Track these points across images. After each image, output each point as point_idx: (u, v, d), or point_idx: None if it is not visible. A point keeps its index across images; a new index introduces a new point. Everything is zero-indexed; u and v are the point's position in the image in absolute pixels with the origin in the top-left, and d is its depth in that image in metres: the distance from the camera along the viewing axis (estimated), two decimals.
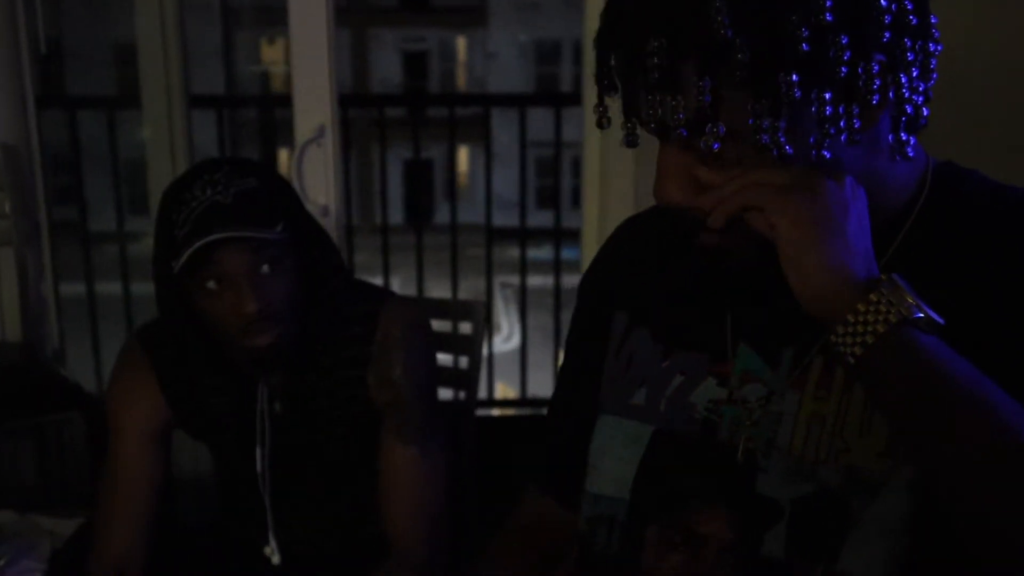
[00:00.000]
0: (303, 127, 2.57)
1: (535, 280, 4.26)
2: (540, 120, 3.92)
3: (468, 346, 2.07)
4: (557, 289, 4.00)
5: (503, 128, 4.50)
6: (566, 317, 3.95)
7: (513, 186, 3.96)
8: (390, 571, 1.57)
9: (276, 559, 1.70)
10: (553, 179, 4.35)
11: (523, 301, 3.86)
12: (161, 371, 1.62)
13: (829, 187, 0.84)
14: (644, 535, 0.99)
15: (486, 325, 2.19)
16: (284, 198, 1.51)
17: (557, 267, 3.99)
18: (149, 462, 1.62)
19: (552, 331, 3.74)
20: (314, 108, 2.56)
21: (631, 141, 0.89)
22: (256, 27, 18.21)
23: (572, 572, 1.07)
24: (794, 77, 0.80)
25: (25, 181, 2.58)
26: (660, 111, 0.84)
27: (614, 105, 0.92)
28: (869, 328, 0.80)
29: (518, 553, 1.16)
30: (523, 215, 3.96)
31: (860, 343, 0.81)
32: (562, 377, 1.18)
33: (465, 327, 2.08)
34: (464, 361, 2.07)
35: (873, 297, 0.81)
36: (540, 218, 6.61)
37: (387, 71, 20.10)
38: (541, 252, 5.81)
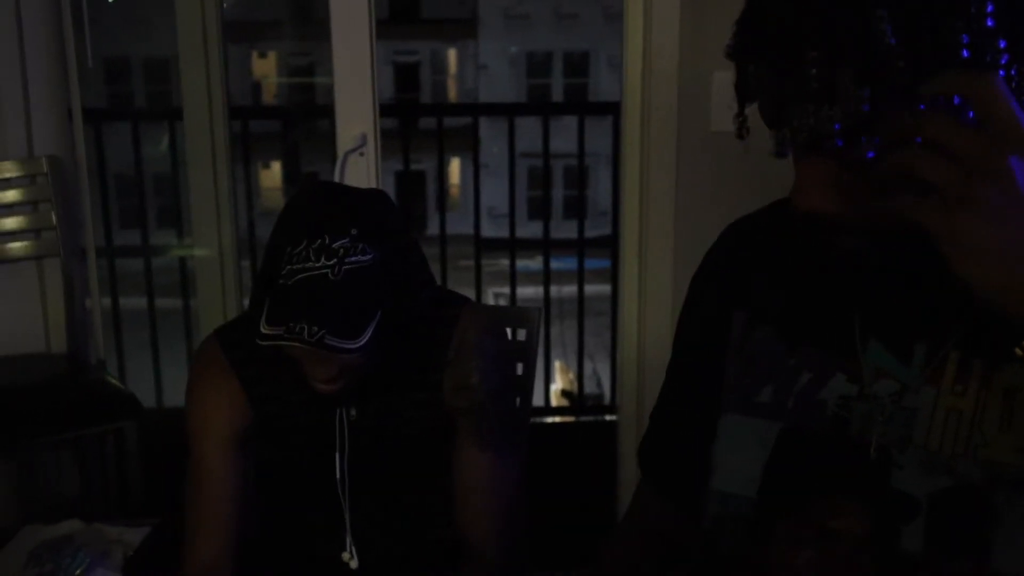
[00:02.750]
0: (345, 136, 2.59)
1: (526, 291, 4.28)
2: (530, 131, 3.95)
3: (523, 352, 2.09)
4: (580, 299, 4.02)
5: (493, 140, 4.51)
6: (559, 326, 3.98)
7: (506, 197, 3.97)
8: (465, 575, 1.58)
9: (354, 564, 1.70)
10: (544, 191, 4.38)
11: (547, 312, 3.86)
12: (241, 371, 1.62)
13: (1016, 170, 0.76)
14: (773, 532, 1.01)
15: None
16: (392, 277, 1.48)
17: (580, 277, 4.02)
18: (234, 466, 1.61)
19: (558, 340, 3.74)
20: (356, 116, 2.58)
21: (782, 151, 0.89)
22: (247, 41, 18.24)
23: (697, 571, 1.08)
24: None
25: (71, 193, 2.60)
26: (814, 120, 0.85)
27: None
28: None
29: (636, 553, 1.17)
30: (546, 225, 3.99)
31: None
32: (674, 378, 1.20)
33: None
34: (519, 367, 2.09)
35: None
36: (532, 229, 6.65)
37: (378, 83, 20.09)
38: (533, 263, 5.78)
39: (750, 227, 1.16)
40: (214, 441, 1.61)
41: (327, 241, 1.41)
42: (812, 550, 0.99)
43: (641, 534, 1.19)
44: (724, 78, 2.60)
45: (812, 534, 0.99)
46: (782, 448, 1.02)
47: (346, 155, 2.58)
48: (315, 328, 1.37)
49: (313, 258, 1.40)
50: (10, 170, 2.55)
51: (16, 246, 2.59)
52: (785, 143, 0.89)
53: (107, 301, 3.65)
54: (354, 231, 1.42)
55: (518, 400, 2.02)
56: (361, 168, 2.58)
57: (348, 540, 1.69)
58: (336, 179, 2.55)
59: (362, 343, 1.41)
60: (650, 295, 2.69)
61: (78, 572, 1.71)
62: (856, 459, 0.98)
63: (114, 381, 2.50)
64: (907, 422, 0.96)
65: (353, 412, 1.62)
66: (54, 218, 2.55)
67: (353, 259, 1.41)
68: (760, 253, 1.12)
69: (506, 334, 1.70)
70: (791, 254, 1.08)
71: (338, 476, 1.64)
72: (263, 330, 1.42)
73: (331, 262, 1.40)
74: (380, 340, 1.46)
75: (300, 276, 1.40)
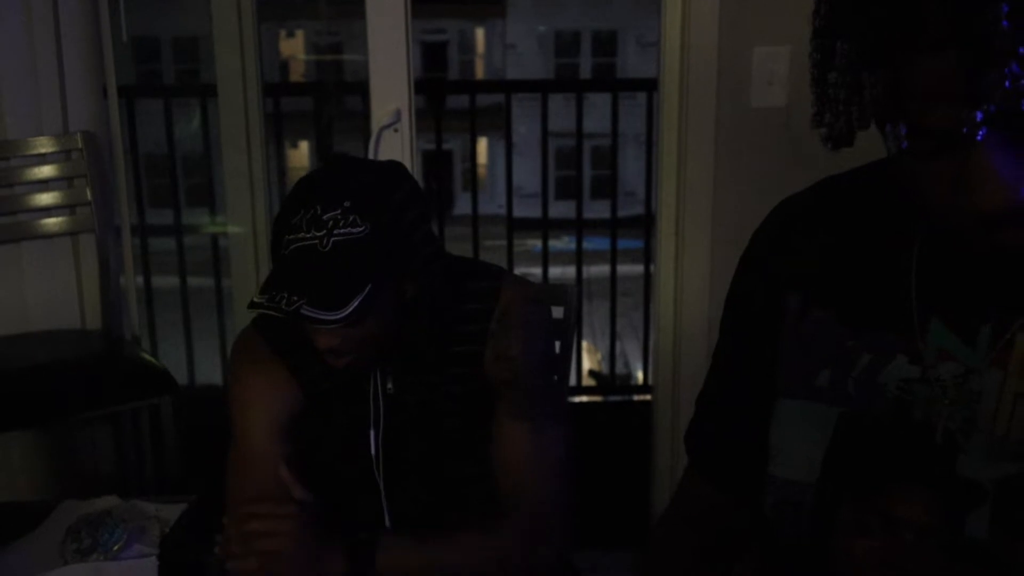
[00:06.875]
0: (379, 112, 2.57)
1: (553, 271, 4.26)
2: (557, 111, 3.91)
3: (561, 330, 2.06)
4: (613, 279, 4.00)
5: (521, 120, 4.47)
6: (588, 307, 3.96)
7: (533, 177, 3.93)
8: (506, 544, 1.55)
9: None
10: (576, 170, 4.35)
11: (579, 292, 3.84)
12: (288, 359, 1.61)
13: None
14: (834, 519, 0.99)
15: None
16: (388, 250, 1.46)
17: (613, 257, 3.99)
18: (281, 454, 1.58)
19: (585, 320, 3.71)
20: (391, 92, 2.56)
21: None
22: (274, 20, 18.25)
23: (757, 558, 1.06)
24: None
25: (106, 169, 2.59)
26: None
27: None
28: None
29: (686, 541, 1.15)
30: (579, 205, 3.96)
31: None
32: (721, 361, 1.16)
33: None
34: (557, 345, 2.06)
35: None
36: (559, 209, 6.65)
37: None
38: (559, 243, 5.73)
39: (799, 206, 1.12)
40: (264, 430, 1.59)
41: (319, 212, 1.42)
42: (876, 538, 0.96)
43: (688, 521, 1.17)
44: (764, 53, 2.55)
45: (876, 521, 0.96)
46: (842, 433, 1.00)
47: (380, 131, 2.56)
48: (295, 298, 1.38)
49: (305, 229, 1.42)
50: (45, 146, 2.54)
51: (51, 222, 2.59)
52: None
53: (139, 279, 3.66)
54: (347, 203, 1.43)
55: (555, 377, 2.00)
56: (395, 144, 2.56)
57: (386, 517, 1.68)
58: (371, 155, 2.53)
59: (344, 315, 1.40)
60: (687, 274, 2.66)
61: (116, 548, 1.70)
62: (920, 444, 0.95)
63: (149, 358, 2.49)
64: (973, 406, 0.93)
65: (390, 386, 1.61)
66: (89, 194, 2.55)
67: (343, 231, 1.42)
68: (812, 233, 1.08)
69: (548, 306, 1.68)
70: (845, 233, 1.04)
71: (373, 452, 1.62)
72: (254, 299, 1.43)
73: (320, 233, 1.41)
74: (388, 313, 1.47)
75: (293, 246, 1.42)
